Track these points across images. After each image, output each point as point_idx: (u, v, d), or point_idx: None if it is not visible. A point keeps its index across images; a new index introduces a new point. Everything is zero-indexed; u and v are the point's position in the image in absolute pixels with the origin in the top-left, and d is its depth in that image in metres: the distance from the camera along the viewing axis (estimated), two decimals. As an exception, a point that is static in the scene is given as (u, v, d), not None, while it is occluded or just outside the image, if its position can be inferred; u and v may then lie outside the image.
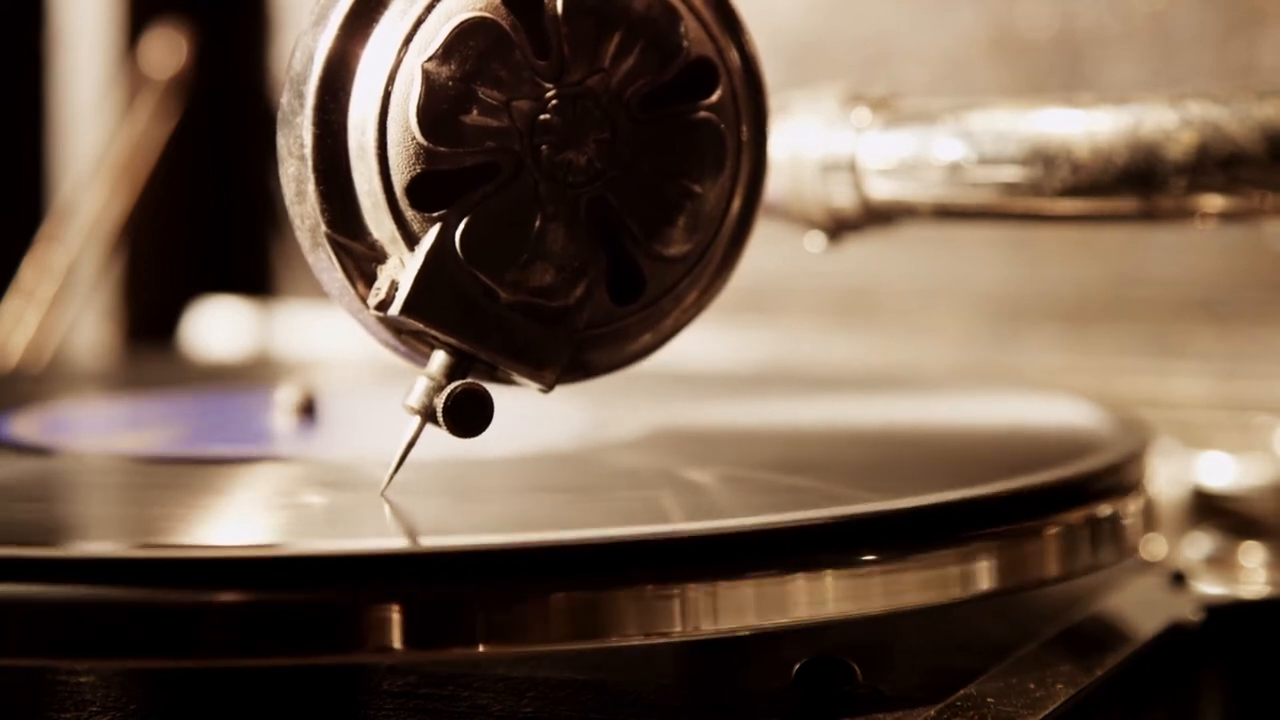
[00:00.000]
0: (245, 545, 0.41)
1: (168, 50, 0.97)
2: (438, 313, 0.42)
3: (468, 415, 0.42)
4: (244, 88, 1.01)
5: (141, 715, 0.42)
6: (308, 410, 0.60)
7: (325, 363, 0.84)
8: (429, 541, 0.41)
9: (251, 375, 0.79)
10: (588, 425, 0.58)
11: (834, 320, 0.85)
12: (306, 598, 0.37)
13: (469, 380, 0.42)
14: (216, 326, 0.97)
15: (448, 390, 0.42)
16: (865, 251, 0.64)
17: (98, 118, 0.98)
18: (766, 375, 0.79)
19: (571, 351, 0.43)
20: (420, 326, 0.42)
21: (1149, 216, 0.49)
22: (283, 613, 0.37)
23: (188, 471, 0.51)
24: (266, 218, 1.00)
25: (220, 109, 1.00)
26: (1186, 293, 0.78)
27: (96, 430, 0.63)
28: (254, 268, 1.01)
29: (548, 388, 0.43)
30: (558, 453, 0.54)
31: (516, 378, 0.43)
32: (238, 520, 0.46)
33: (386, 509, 0.44)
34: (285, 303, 0.98)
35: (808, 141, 0.54)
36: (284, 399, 0.61)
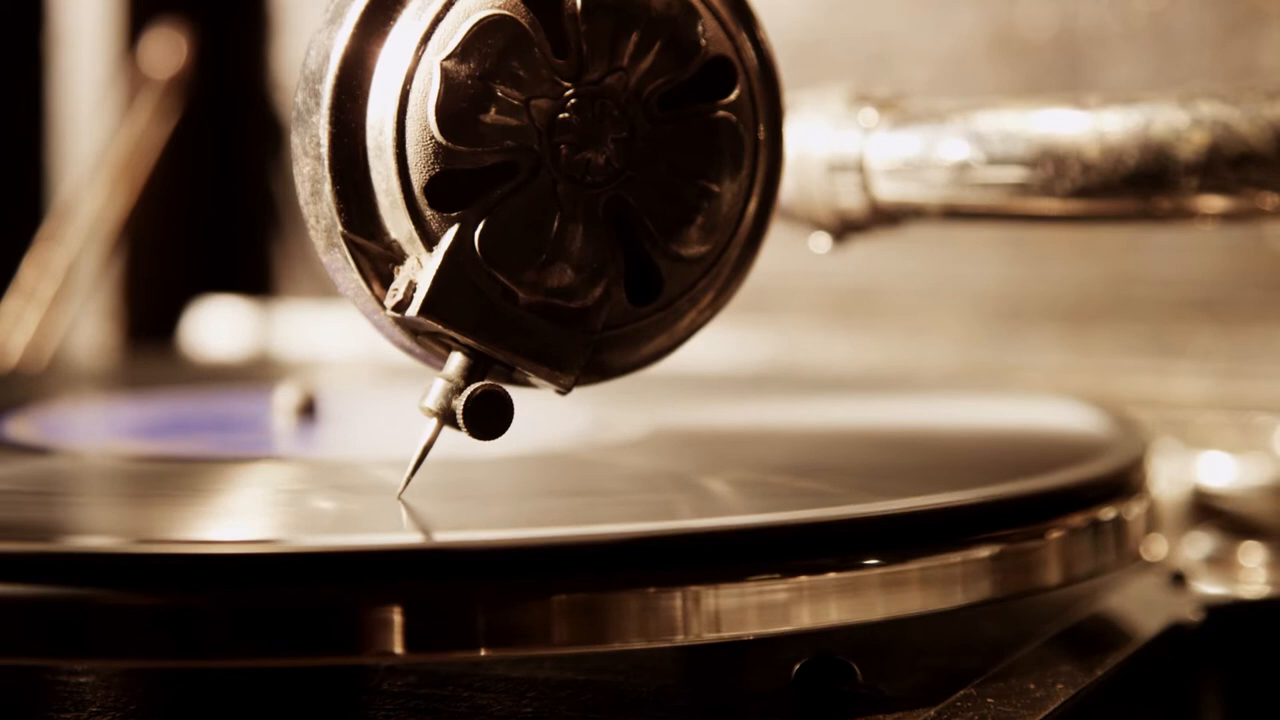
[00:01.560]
0: (245, 545, 0.41)
1: (168, 50, 0.97)
2: (456, 314, 0.42)
3: (488, 417, 0.42)
4: (244, 88, 1.01)
5: (141, 715, 0.42)
6: (308, 410, 0.60)
7: (325, 363, 0.84)
8: (430, 541, 0.41)
9: (251, 375, 0.79)
10: (588, 425, 0.58)
11: (834, 320, 0.85)
12: (307, 598, 0.37)
13: (488, 382, 0.42)
14: (216, 326, 0.97)
15: (467, 392, 0.42)
16: (866, 251, 0.64)
17: (98, 118, 0.98)
18: (767, 376, 0.79)
19: (589, 353, 0.43)
20: (438, 328, 0.42)
21: (1158, 217, 0.49)
22: (283, 613, 0.37)
23: (188, 471, 0.51)
24: (266, 218, 1.00)
25: (220, 109, 1.00)
26: (1186, 293, 0.78)
27: (96, 430, 0.63)
28: (254, 268, 1.01)
29: (566, 389, 0.43)
30: (558, 453, 0.54)
31: (534, 379, 0.43)
32: (238, 520, 0.46)
33: (385, 508, 0.44)
34: (285, 303, 0.98)
35: (815, 142, 0.54)
36: (284, 399, 0.61)
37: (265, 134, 1.00)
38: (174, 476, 0.50)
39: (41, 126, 1.01)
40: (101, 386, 0.80)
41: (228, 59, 1.00)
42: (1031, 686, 0.43)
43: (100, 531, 0.45)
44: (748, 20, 0.44)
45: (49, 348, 0.90)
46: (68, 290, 0.92)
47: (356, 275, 0.42)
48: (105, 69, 0.98)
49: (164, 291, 0.99)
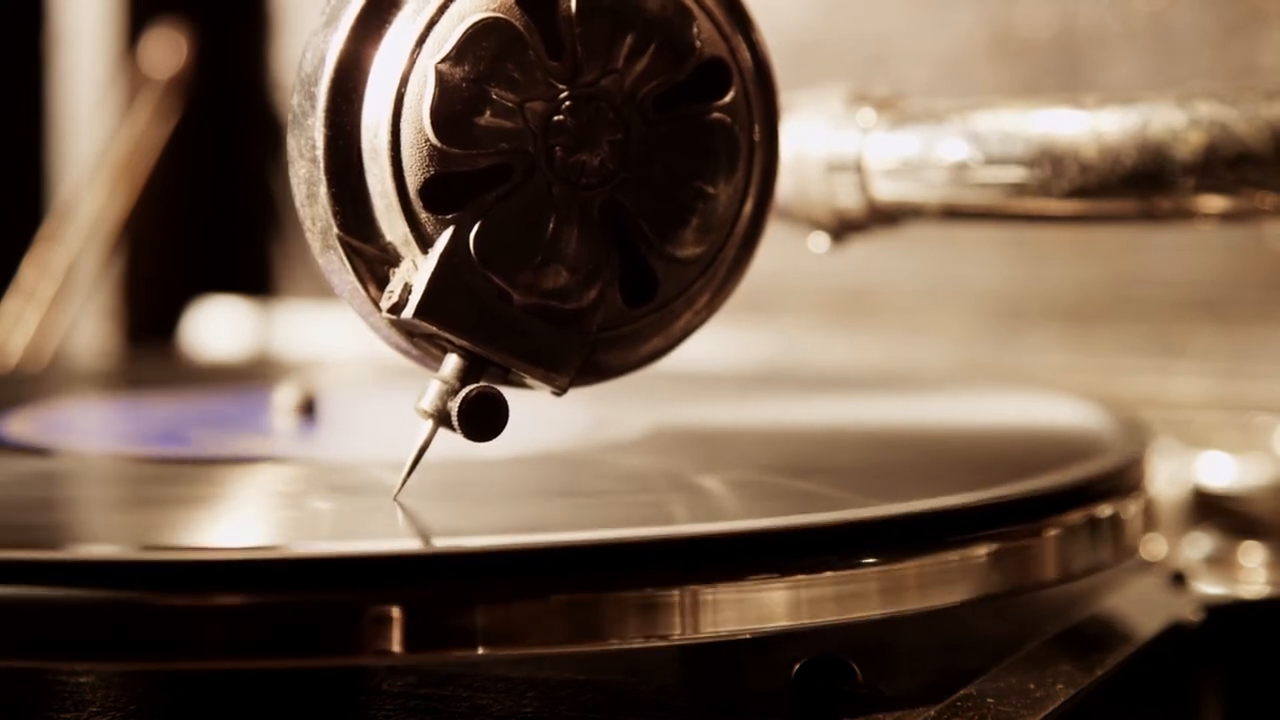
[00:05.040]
0: (245, 547, 0.41)
1: (168, 50, 0.97)
2: (451, 315, 0.42)
3: (483, 419, 0.42)
4: (244, 88, 1.01)
5: (141, 715, 0.42)
6: (308, 410, 0.60)
7: (325, 363, 0.84)
8: (429, 544, 0.41)
9: (251, 375, 0.79)
10: (588, 426, 0.58)
11: (834, 320, 0.85)
12: (306, 600, 0.37)
13: (483, 383, 0.42)
14: (216, 326, 0.97)
15: (462, 394, 0.42)
16: (866, 251, 0.64)
17: (98, 118, 0.98)
18: (767, 375, 0.79)
19: (585, 354, 0.43)
20: (433, 329, 0.42)
21: (1156, 217, 0.49)
22: (282, 615, 0.37)
23: (188, 471, 0.51)
24: (266, 218, 1.00)
25: (220, 109, 1.00)
26: (1186, 293, 0.78)
27: (96, 430, 0.63)
28: (254, 268, 1.01)
29: (561, 391, 0.43)
30: (558, 453, 0.54)
31: (530, 381, 0.43)
32: (238, 521, 0.46)
33: (384, 509, 0.44)
34: (285, 303, 0.98)
35: (813, 142, 0.54)
36: (284, 399, 0.61)
37: (265, 134, 1.00)
38: (174, 477, 0.50)
39: (41, 126, 1.01)
40: (101, 386, 0.80)
41: (228, 59, 1.00)
42: (1031, 686, 0.43)
43: (100, 534, 0.45)
44: (743, 22, 0.44)
45: (49, 348, 0.90)
46: (68, 290, 0.92)
47: (352, 277, 0.42)
48: (105, 69, 0.98)
49: (164, 291, 0.99)
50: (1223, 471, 0.60)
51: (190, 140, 0.98)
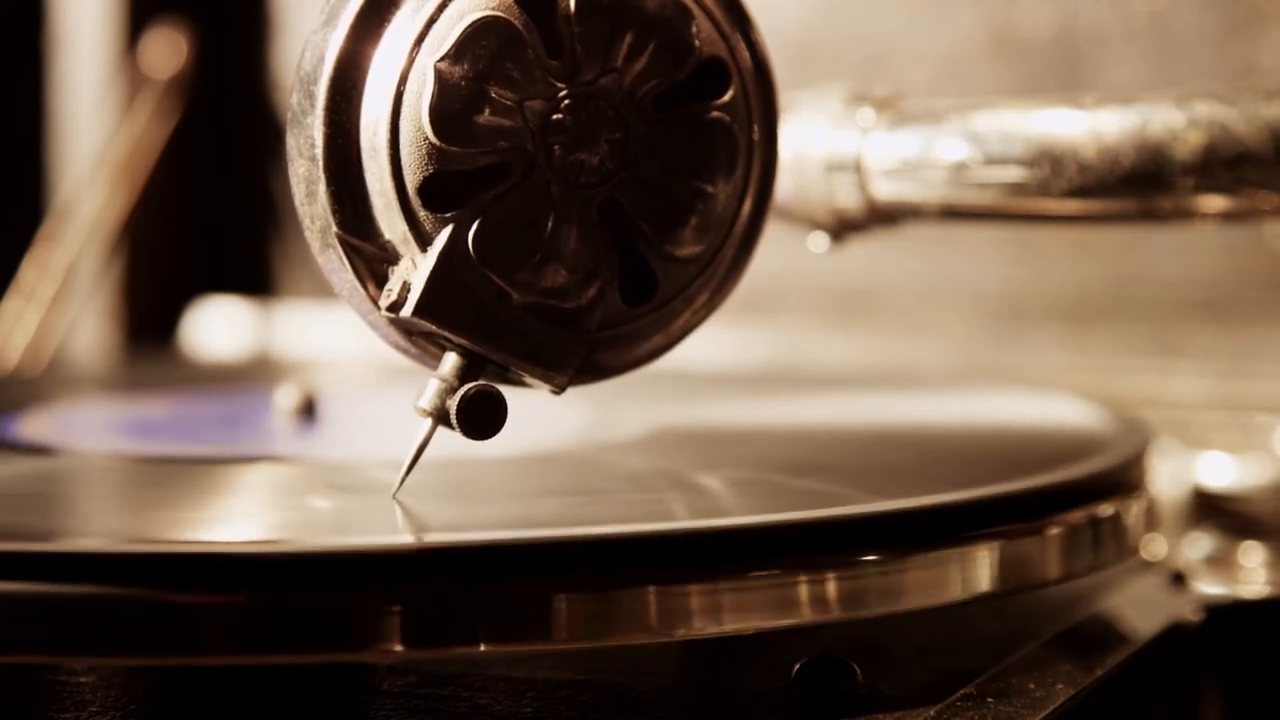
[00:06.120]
0: (245, 544, 0.41)
1: (168, 50, 0.97)
2: (450, 314, 0.42)
3: (482, 417, 0.42)
4: (244, 88, 1.01)
5: (141, 715, 0.42)
6: (308, 410, 0.60)
7: (325, 363, 0.84)
8: (430, 541, 0.41)
9: (251, 375, 0.79)
10: (588, 425, 0.58)
11: (834, 320, 0.85)
12: (307, 597, 0.37)
13: (482, 382, 0.42)
14: (216, 326, 0.97)
15: (461, 392, 0.42)
16: (866, 251, 0.64)
17: (98, 118, 0.98)
18: (767, 375, 0.79)
19: (584, 353, 0.43)
20: (432, 328, 0.42)
21: (1155, 217, 0.49)
22: (283, 612, 0.37)
23: (188, 471, 0.51)
24: (266, 218, 1.00)
25: (220, 109, 1.00)
26: (1186, 293, 0.78)
27: (96, 430, 0.63)
28: (254, 268, 1.01)
29: (560, 390, 0.43)
30: (558, 453, 0.54)
31: (528, 380, 0.43)
32: (238, 519, 0.46)
33: (384, 508, 0.44)
34: (285, 303, 0.98)
35: (813, 141, 0.54)
36: (284, 399, 0.61)
37: (265, 134, 1.00)
38: (174, 477, 0.50)
39: (41, 126, 1.01)
40: (101, 386, 0.80)
41: (228, 59, 1.00)
42: (1031, 686, 0.43)
43: (100, 532, 0.45)
44: (742, 21, 0.44)
45: (49, 348, 0.90)
46: (68, 290, 0.92)
47: (351, 276, 0.42)
48: (105, 69, 0.98)
49: (164, 291, 0.99)
50: (1223, 471, 0.60)
51: (190, 140, 0.98)
